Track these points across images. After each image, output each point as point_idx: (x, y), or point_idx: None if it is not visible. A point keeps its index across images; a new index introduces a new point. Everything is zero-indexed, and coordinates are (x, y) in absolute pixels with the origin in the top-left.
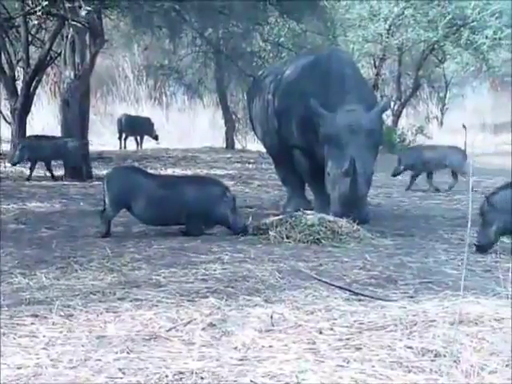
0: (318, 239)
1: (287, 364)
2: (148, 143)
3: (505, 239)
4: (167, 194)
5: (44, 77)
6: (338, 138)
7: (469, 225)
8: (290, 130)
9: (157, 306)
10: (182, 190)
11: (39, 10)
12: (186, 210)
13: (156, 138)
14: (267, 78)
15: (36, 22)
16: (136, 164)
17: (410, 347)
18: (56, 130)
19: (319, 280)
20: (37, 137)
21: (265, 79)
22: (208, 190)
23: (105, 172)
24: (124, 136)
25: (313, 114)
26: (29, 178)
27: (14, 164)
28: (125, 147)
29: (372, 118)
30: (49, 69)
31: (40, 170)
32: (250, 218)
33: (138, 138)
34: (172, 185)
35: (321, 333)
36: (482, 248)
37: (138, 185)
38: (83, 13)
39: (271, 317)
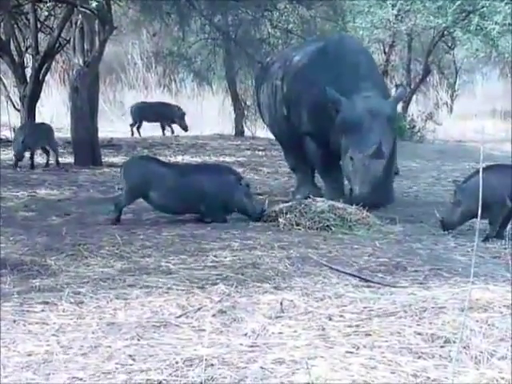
0: (327, 226)
1: (297, 350)
2: (158, 131)
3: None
4: (185, 182)
5: (53, 64)
6: (360, 123)
7: (479, 211)
8: (300, 116)
9: (167, 292)
10: (200, 178)
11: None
12: (203, 198)
13: (184, 127)
14: (275, 64)
15: (45, 10)
16: (145, 151)
17: (420, 333)
18: (65, 117)
19: (329, 267)
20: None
21: (273, 65)
22: (225, 177)
23: (114, 159)
24: (138, 124)
25: (328, 100)
26: (33, 167)
27: (19, 152)
28: (139, 134)
29: (390, 105)
30: (58, 56)
31: (50, 157)
32: (266, 203)
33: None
34: (189, 173)
35: (330, 319)
36: (445, 225)
37: (155, 174)
38: (94, 4)
39: (281, 303)
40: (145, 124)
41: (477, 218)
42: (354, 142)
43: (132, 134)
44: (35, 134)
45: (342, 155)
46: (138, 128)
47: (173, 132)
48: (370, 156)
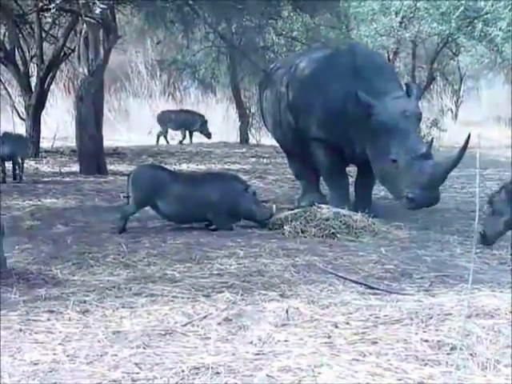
0: (333, 233)
1: (303, 358)
2: (163, 139)
3: None
4: (192, 191)
5: (58, 73)
6: (398, 125)
7: (476, 218)
8: (310, 122)
9: (172, 301)
10: (207, 187)
11: (53, 8)
12: (210, 207)
13: (207, 134)
14: (279, 71)
15: (50, 20)
16: (150, 160)
17: (426, 340)
18: (70, 126)
19: (334, 274)
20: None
21: (277, 72)
22: (232, 185)
23: (119, 167)
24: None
25: (360, 105)
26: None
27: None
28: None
29: (417, 104)
30: (62, 65)
31: (54, 166)
32: (274, 208)
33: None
34: (196, 182)
35: (336, 327)
36: (486, 239)
37: (162, 183)
38: (97, 10)
39: (287, 311)
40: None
41: None
42: (395, 144)
43: (157, 143)
44: (17, 144)
45: (378, 158)
46: (165, 136)
47: (181, 142)
48: (421, 157)
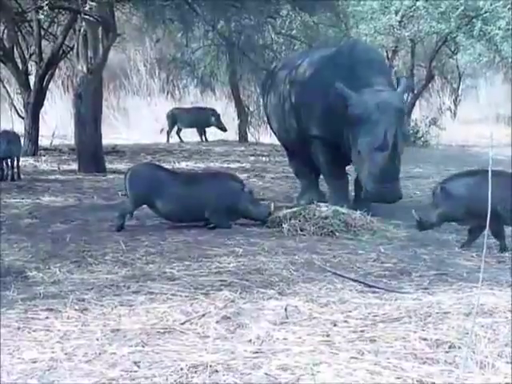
0: (331, 232)
1: (302, 356)
2: (163, 137)
3: None
4: (189, 190)
5: (57, 71)
6: (366, 116)
7: (488, 217)
8: (312, 120)
9: (171, 299)
10: (204, 186)
11: (47, 5)
12: (208, 205)
13: (222, 128)
14: (282, 70)
15: (42, 16)
16: (149, 158)
17: (425, 339)
18: (69, 124)
19: (333, 272)
20: None
21: (279, 71)
22: (228, 184)
23: (118, 166)
24: (176, 129)
25: (340, 97)
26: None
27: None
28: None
29: (398, 96)
30: (61, 63)
31: (53, 164)
32: (273, 206)
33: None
34: (193, 181)
35: (335, 325)
36: (421, 225)
37: (159, 182)
38: (87, 7)
39: (285, 309)
40: (148, 130)
41: (455, 221)
42: (361, 136)
43: (168, 141)
44: (16, 142)
45: (352, 150)
46: (168, 133)
47: (206, 139)
48: (377, 149)
